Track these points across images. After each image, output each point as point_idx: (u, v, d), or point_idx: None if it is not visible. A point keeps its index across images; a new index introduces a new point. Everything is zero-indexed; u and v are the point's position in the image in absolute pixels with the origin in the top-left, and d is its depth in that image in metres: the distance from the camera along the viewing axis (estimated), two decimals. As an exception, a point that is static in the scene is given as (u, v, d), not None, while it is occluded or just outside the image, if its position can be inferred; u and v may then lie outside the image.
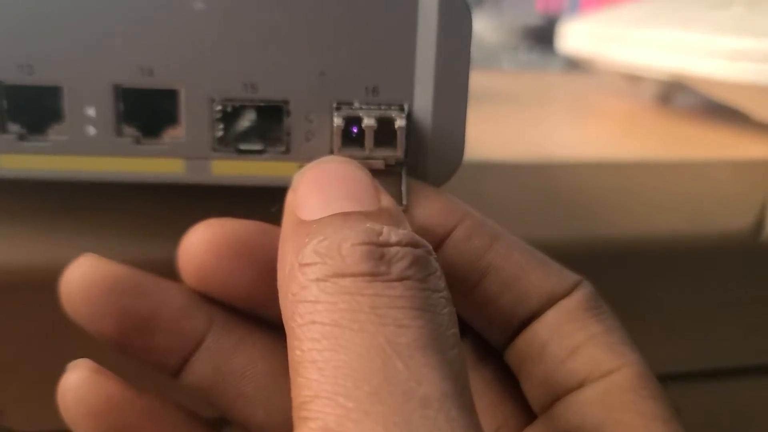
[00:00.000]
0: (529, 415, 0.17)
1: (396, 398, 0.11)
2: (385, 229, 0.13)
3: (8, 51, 0.16)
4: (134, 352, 0.16)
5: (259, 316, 0.17)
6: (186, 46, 0.16)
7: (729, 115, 0.33)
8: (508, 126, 0.31)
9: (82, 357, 0.19)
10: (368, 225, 0.13)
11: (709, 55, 0.28)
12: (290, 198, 0.15)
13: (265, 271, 0.16)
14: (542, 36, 0.59)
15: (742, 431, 0.28)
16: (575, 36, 0.40)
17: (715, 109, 0.34)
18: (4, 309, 0.19)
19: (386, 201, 0.14)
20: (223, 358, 0.16)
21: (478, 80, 0.17)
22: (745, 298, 0.25)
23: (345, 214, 0.14)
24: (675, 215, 0.24)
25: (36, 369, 0.19)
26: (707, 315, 0.25)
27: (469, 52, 0.17)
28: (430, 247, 0.14)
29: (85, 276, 0.15)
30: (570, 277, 0.17)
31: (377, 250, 0.13)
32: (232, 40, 0.16)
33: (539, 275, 0.16)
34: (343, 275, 0.12)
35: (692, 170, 0.25)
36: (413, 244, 0.13)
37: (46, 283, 0.18)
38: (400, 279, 0.13)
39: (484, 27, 0.59)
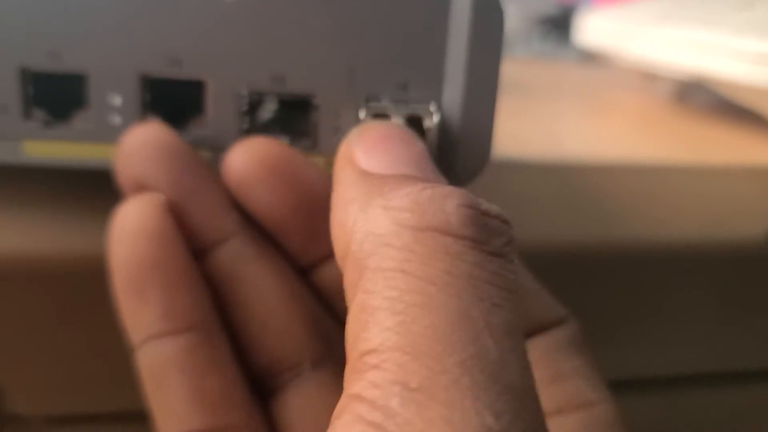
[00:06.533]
0: None
1: (484, 377, 0.10)
2: (482, 199, 0.13)
3: (36, 38, 0.16)
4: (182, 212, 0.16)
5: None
6: (215, 38, 0.16)
7: (746, 116, 0.32)
8: (523, 121, 0.31)
9: (86, 342, 0.19)
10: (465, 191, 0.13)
11: (732, 58, 0.28)
12: (346, 150, 0.15)
13: (298, 199, 0.16)
14: (557, 25, 0.58)
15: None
16: (593, 30, 0.40)
17: (732, 109, 0.34)
18: (9, 293, 0.18)
19: (445, 181, 0.14)
20: (242, 261, 0.16)
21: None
22: (759, 303, 0.25)
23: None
24: (690, 220, 0.24)
25: (40, 353, 0.19)
26: (720, 320, 0.25)
27: (501, 50, 0.17)
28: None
29: None
30: (560, 310, 0.17)
31: (481, 218, 0.12)
32: (261, 32, 0.16)
33: (533, 302, 0.17)
34: (445, 233, 0.12)
35: (708, 175, 0.25)
36: (507, 222, 0.13)
37: (51, 268, 0.18)
38: (498, 255, 0.12)
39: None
